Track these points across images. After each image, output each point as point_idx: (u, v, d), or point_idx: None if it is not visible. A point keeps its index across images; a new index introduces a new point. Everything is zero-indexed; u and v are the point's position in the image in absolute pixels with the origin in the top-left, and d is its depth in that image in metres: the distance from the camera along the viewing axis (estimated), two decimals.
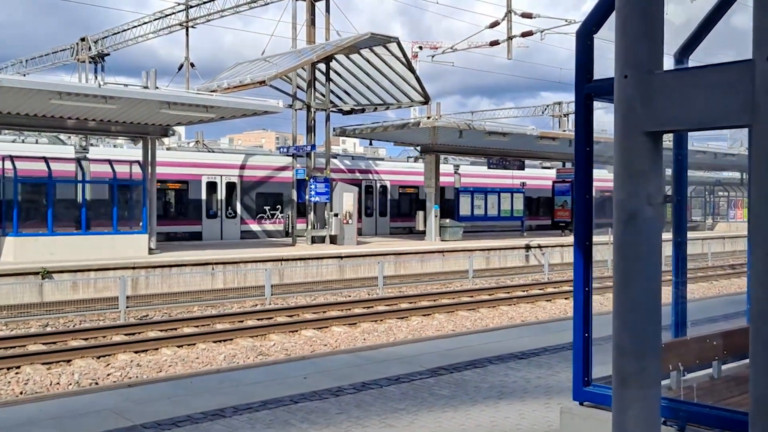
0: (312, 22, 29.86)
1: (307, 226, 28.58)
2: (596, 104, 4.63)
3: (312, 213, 28.73)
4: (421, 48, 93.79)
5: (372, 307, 18.42)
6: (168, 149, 33.98)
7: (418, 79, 29.32)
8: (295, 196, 29.14)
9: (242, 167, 31.69)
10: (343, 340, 14.50)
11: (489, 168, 35.58)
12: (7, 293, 17.95)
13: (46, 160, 21.84)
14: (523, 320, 16.67)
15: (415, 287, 22.39)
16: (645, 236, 2.76)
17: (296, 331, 15.33)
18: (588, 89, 4.58)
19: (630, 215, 2.75)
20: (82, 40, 42.20)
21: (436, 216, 31.27)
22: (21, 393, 10.40)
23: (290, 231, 29.22)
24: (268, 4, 32.16)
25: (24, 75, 43.40)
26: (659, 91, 2.80)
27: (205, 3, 36.23)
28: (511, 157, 34.28)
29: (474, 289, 21.68)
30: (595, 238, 4.57)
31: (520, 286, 22.29)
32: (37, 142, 29.33)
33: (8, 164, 21.32)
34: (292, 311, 17.45)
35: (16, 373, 11.52)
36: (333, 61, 28.64)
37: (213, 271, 21.62)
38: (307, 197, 28.36)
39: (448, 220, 32.00)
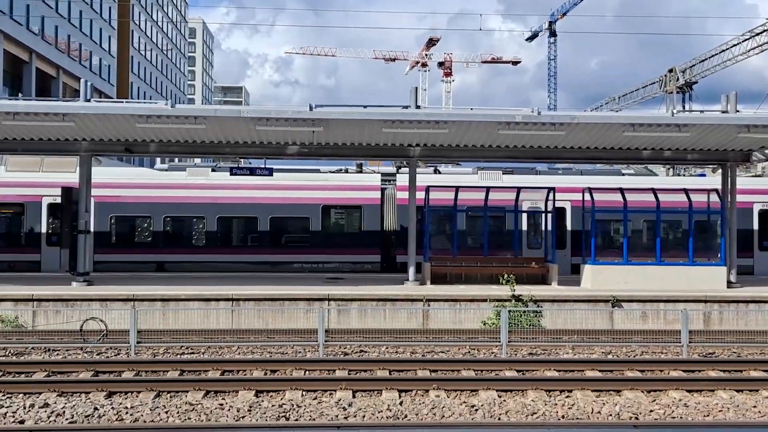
0: None
1: None
2: None
3: None
4: None
5: None
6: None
7: None
8: None
9: None
10: None
11: None
12: (580, 318, 19.02)
13: (621, 190, 22.31)
14: None
15: None
16: None
17: None
18: None
19: None
20: (670, 71, 42.42)
21: None
22: (563, 417, 10.73)
23: None
24: None
25: (617, 111, 45.74)
26: None
27: None
28: None
29: None
30: None
31: None
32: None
33: (587, 196, 22.40)
34: None
35: (567, 397, 11.94)
36: None
37: None
38: None
39: None
